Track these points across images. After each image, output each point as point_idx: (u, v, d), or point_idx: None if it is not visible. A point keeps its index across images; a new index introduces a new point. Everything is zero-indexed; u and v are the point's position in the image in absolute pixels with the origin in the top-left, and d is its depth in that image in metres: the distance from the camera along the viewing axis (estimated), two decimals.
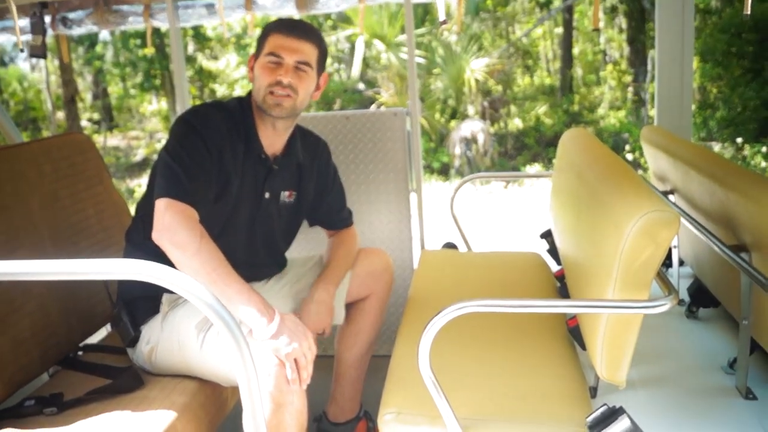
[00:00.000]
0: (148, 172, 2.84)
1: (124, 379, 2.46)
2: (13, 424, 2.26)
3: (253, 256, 2.82)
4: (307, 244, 3.67)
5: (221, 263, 2.32)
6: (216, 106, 2.67)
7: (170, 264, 2.13)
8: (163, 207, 2.38)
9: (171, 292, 2.60)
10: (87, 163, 3.14)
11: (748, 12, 2.73)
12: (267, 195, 2.75)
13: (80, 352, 2.87)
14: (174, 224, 2.33)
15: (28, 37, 4.43)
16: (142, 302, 2.65)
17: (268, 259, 2.94)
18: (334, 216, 3.11)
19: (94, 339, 2.99)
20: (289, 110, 2.62)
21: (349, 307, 3.04)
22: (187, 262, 2.28)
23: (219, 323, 1.75)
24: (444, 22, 2.60)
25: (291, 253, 3.07)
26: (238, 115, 2.66)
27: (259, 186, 2.72)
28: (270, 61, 2.58)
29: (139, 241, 2.65)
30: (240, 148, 2.63)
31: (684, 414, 2.80)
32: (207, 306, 1.74)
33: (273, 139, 2.72)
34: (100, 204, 3.14)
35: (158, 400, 2.35)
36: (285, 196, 2.84)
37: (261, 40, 2.65)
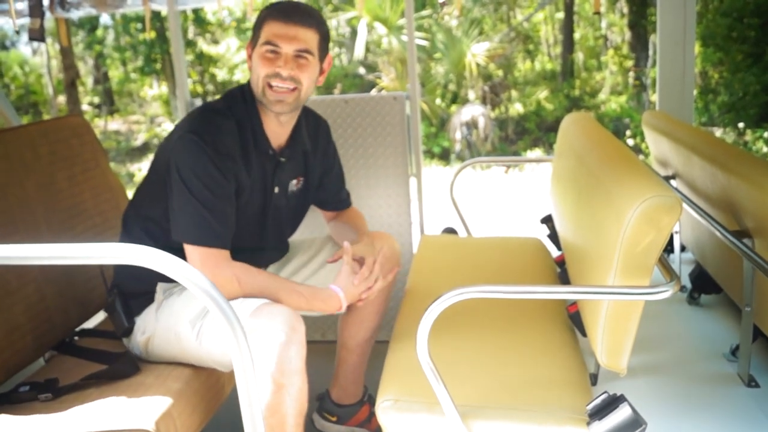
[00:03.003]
0: (149, 156, 2.82)
1: (119, 365, 2.44)
2: (7, 410, 2.25)
3: (261, 242, 2.80)
4: (306, 228, 3.66)
5: (266, 283, 2.44)
6: (223, 113, 2.56)
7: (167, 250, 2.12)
8: (196, 259, 2.39)
9: (166, 281, 2.59)
10: (84, 147, 3.12)
11: None
12: (276, 189, 2.72)
13: (76, 337, 2.84)
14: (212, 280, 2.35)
15: (27, 20, 4.41)
16: (138, 295, 2.64)
17: (273, 247, 2.92)
18: (334, 196, 3.08)
19: (90, 324, 2.97)
20: (293, 105, 2.55)
21: None
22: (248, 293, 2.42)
23: (212, 307, 1.74)
24: (444, 4, 2.57)
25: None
26: (245, 120, 2.58)
27: (268, 181, 2.67)
28: (267, 50, 2.48)
29: (137, 235, 2.62)
30: (252, 155, 2.58)
31: (685, 402, 2.79)
32: (200, 290, 1.73)
33: (278, 131, 2.66)
34: (96, 187, 3.12)
35: (154, 386, 2.34)
36: (293, 185, 2.81)
37: (257, 27, 2.54)
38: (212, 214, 2.40)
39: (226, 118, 2.54)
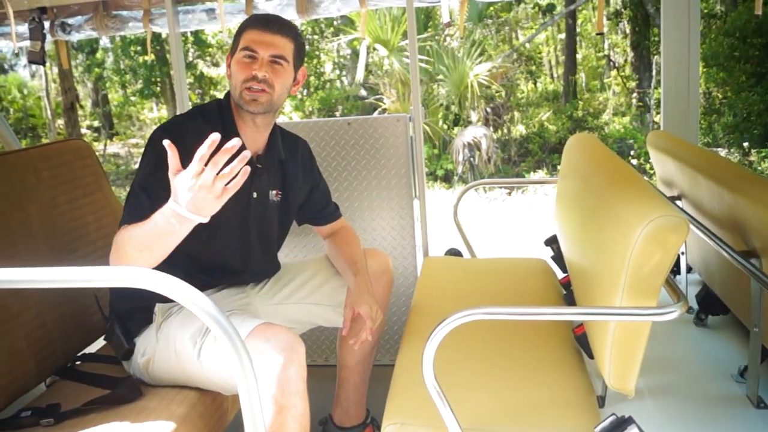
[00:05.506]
0: None
1: (122, 390, 2.43)
2: None
3: (248, 258, 2.80)
4: (299, 251, 3.64)
5: (133, 232, 2.23)
6: (192, 115, 2.68)
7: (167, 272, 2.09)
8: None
9: (164, 301, 2.58)
10: (86, 170, 3.11)
11: (760, 12, 2.69)
12: (255, 195, 2.72)
13: (78, 362, 2.83)
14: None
15: (28, 43, 4.41)
16: (135, 314, 2.62)
17: (262, 261, 2.90)
18: (321, 211, 3.09)
19: (92, 348, 2.95)
20: (266, 105, 2.59)
21: None
22: (129, 254, 2.22)
23: (216, 328, 1.72)
24: (448, 24, 2.56)
25: (282, 258, 3.04)
26: (216, 117, 2.64)
27: (245, 186, 2.65)
28: (245, 56, 2.56)
29: None
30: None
31: (694, 423, 2.76)
32: (203, 311, 1.71)
33: (254, 136, 2.69)
34: (98, 211, 3.11)
35: (157, 410, 2.32)
36: (272, 195, 2.81)
37: (236, 37, 2.64)
38: (150, 201, 2.28)
39: (195, 117, 2.64)
